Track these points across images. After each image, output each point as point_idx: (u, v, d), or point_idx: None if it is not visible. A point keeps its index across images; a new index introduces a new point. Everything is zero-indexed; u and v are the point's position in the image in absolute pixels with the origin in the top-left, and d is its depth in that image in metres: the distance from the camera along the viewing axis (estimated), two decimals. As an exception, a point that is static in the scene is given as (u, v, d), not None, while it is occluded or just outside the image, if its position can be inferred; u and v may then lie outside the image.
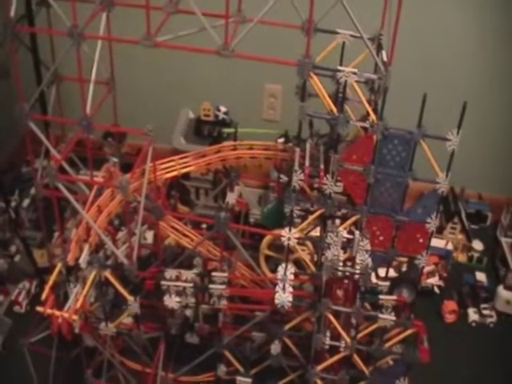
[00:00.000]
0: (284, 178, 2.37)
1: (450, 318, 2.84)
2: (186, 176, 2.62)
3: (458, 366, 2.66)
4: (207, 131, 2.85)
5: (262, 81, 3.15)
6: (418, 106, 1.76)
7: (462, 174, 2.83)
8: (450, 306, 2.85)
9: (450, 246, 3.02)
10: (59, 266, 1.92)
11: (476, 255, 3.11)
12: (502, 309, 2.87)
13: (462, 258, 3.14)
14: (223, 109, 2.89)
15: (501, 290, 2.88)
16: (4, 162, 3.21)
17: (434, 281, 2.91)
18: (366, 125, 1.84)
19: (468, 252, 3.13)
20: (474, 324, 2.85)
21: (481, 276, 3.00)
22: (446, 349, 2.65)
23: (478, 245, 3.12)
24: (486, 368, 2.67)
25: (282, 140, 2.42)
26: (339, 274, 1.90)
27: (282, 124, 2.95)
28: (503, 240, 3.15)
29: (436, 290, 2.92)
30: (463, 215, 3.14)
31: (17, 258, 2.84)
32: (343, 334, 1.97)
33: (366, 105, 1.83)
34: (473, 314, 2.86)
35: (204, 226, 2.62)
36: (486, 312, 2.85)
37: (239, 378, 2.23)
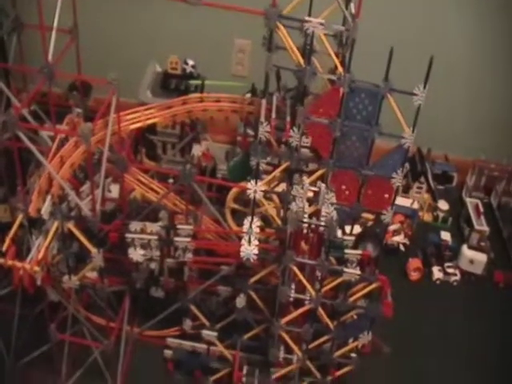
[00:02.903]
0: (251, 132, 2.35)
1: (414, 275, 2.88)
2: (153, 130, 2.57)
3: (422, 322, 2.71)
4: (174, 85, 2.79)
5: (231, 35, 3.09)
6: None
7: (429, 135, 2.84)
8: (414, 263, 2.88)
9: (415, 206, 3.05)
10: (20, 217, 1.89)
11: (441, 215, 3.15)
12: (466, 268, 2.92)
13: (427, 217, 3.17)
14: (191, 62, 2.82)
15: (465, 249, 2.93)
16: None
17: (399, 239, 2.94)
18: (334, 77, 1.82)
19: (433, 212, 3.17)
20: (438, 282, 2.90)
21: (445, 235, 3.03)
22: (410, 306, 2.69)
23: (443, 205, 3.16)
24: (448, 325, 2.72)
25: (249, 95, 2.39)
26: (304, 225, 1.90)
27: (250, 80, 2.88)
28: (468, 200, 3.19)
29: (401, 248, 2.96)
30: (429, 175, 3.17)
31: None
32: (308, 286, 1.98)
33: (334, 57, 1.81)
34: (437, 272, 2.90)
35: (171, 180, 2.59)
36: (450, 270, 2.90)
37: (205, 332, 2.24)
